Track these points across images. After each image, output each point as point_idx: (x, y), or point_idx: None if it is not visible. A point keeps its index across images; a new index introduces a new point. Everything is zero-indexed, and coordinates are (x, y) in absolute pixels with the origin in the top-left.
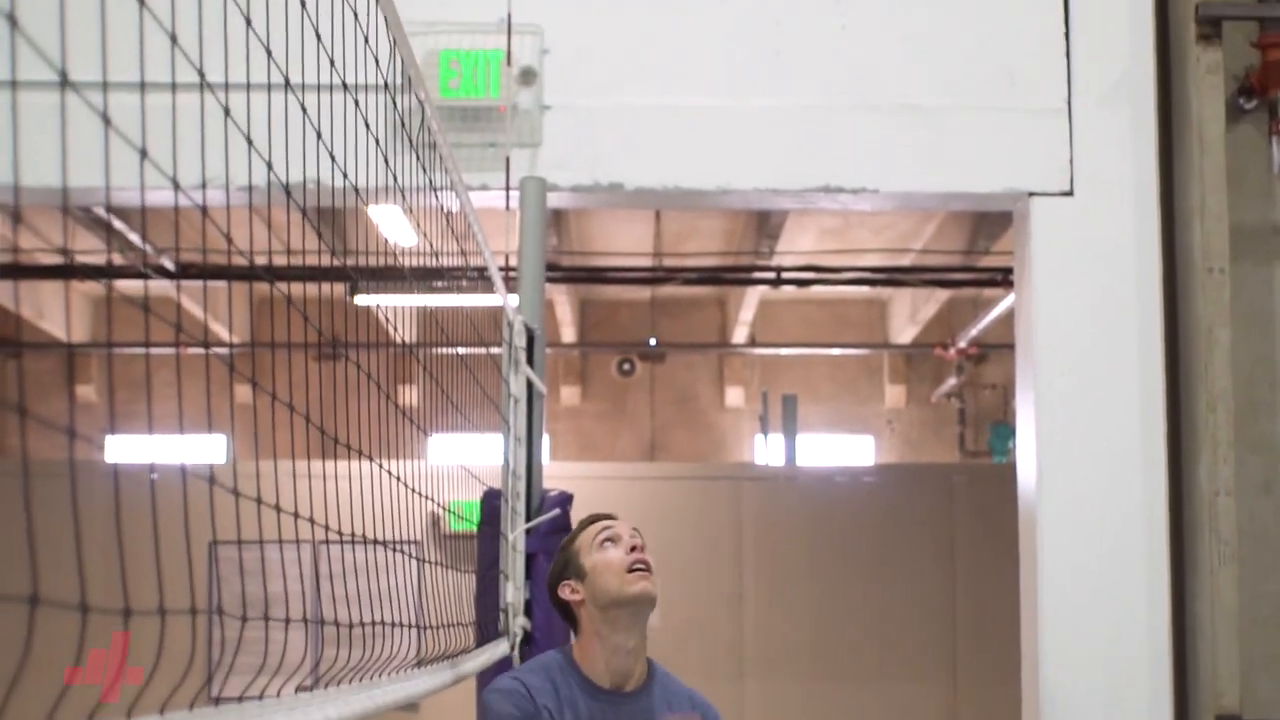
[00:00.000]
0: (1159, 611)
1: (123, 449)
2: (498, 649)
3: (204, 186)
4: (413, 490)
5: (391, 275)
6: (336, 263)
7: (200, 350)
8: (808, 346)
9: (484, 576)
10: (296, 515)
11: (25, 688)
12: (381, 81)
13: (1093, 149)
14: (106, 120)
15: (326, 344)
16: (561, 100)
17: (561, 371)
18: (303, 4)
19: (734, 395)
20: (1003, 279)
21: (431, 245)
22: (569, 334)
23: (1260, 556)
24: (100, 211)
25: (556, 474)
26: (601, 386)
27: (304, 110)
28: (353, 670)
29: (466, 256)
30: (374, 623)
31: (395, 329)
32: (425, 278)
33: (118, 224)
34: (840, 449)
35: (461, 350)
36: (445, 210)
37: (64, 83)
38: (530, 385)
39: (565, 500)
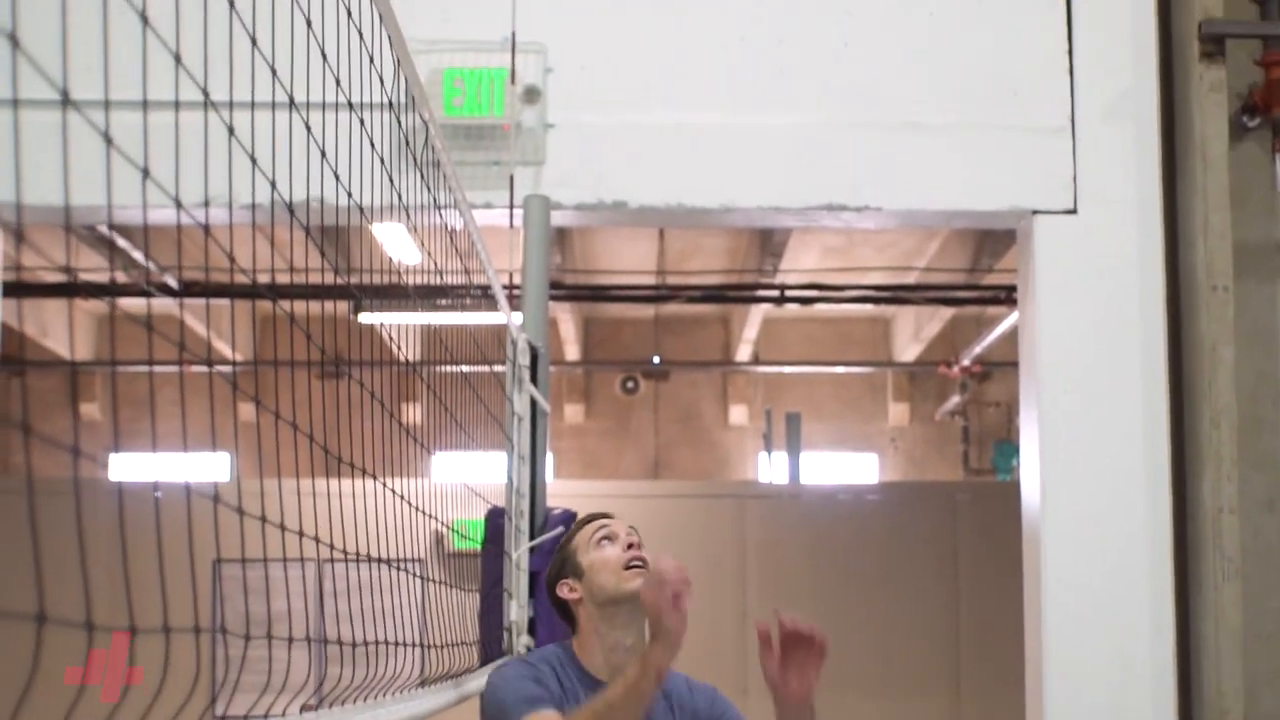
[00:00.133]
0: (1163, 628)
1: (126, 467)
2: None
3: (207, 205)
4: (416, 508)
5: (395, 293)
6: (340, 281)
7: (204, 368)
8: (811, 364)
9: (488, 595)
10: (300, 533)
11: (31, 702)
12: (386, 100)
13: (1096, 167)
14: (108, 139)
15: (330, 362)
16: (565, 118)
17: (565, 389)
18: (308, 23)
19: (738, 413)
20: (1006, 297)
21: (435, 263)
22: (573, 352)
23: (1264, 573)
24: (103, 229)
25: (560, 492)
26: (605, 404)
27: (308, 128)
28: (357, 689)
29: (470, 275)
30: (378, 641)
31: (399, 347)
32: (429, 296)
33: (121, 242)
34: (844, 467)
35: (465, 368)
36: (449, 228)
37: (65, 101)
38: (534, 403)
39: (569, 519)
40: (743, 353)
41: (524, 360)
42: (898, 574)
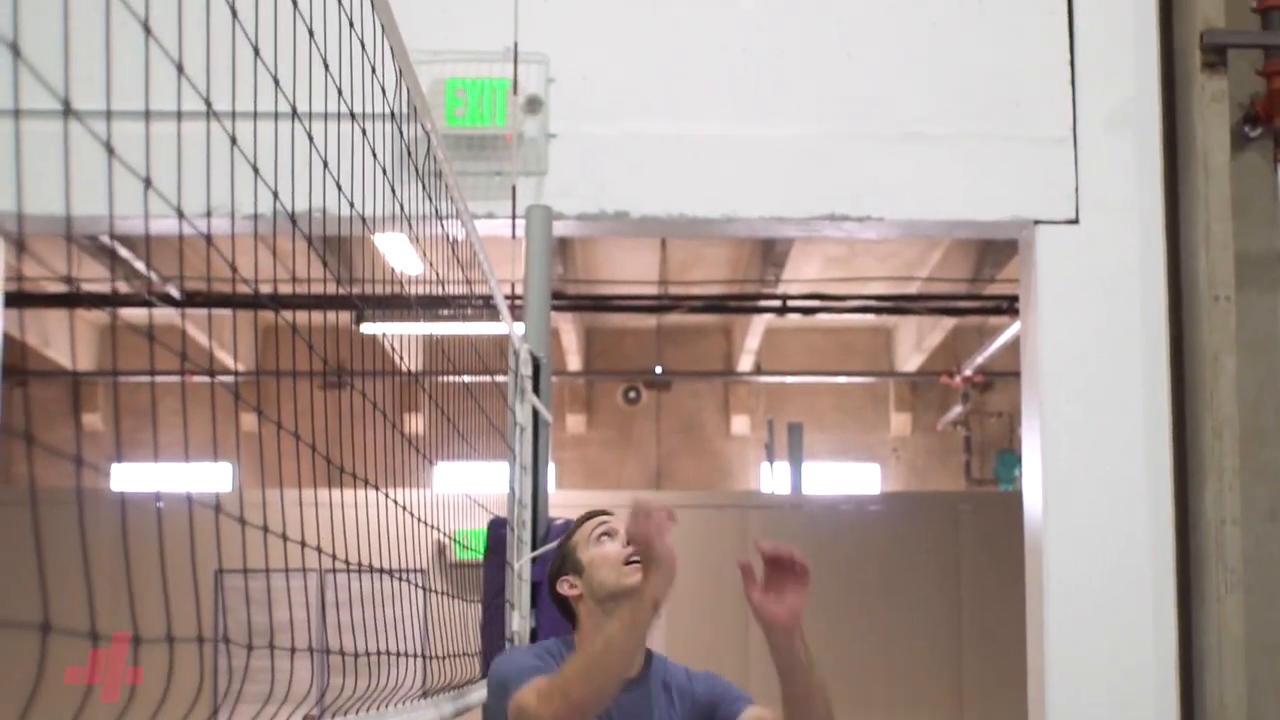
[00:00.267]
0: (1165, 639)
1: (128, 477)
2: None
3: (209, 215)
4: (418, 519)
5: (397, 304)
6: (342, 291)
7: (206, 378)
8: (813, 374)
9: (490, 606)
10: (303, 544)
11: (35, 710)
12: (388, 110)
13: (1098, 177)
14: (110, 149)
15: (332, 372)
16: (567, 128)
17: (567, 399)
18: (310, 33)
19: (740, 423)
20: (1008, 307)
21: (437, 274)
22: (575, 362)
23: (1266, 584)
24: (105, 239)
25: (562, 502)
26: (607, 415)
27: (310, 139)
28: (359, 700)
29: (472, 285)
30: (380, 652)
31: (401, 357)
32: (431, 306)
33: (123, 252)
34: (846, 477)
35: (467, 379)
36: (451, 238)
37: (67, 111)
38: (536, 413)
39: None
40: (745, 363)
41: (526, 370)
42: (900, 584)
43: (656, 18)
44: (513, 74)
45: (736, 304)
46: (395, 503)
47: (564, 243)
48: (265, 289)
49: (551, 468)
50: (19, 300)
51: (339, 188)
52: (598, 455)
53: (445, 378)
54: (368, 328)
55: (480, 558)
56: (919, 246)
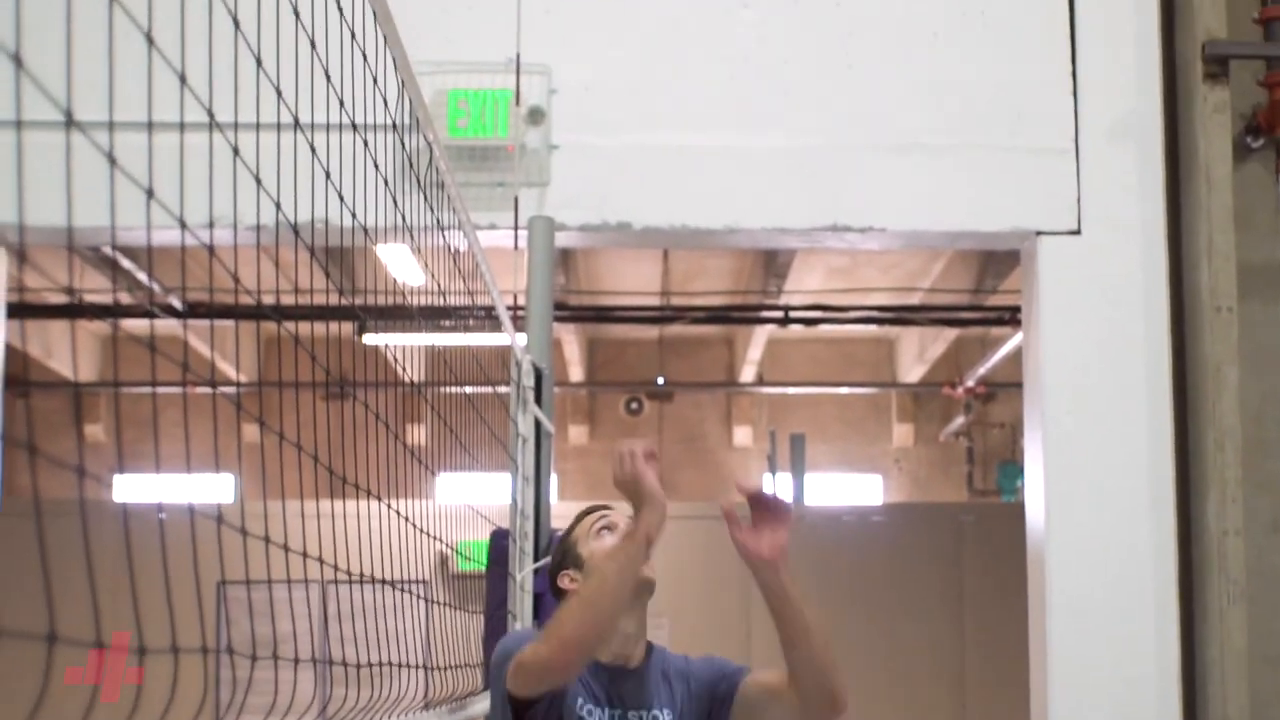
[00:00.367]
0: (1168, 650)
1: (131, 488)
2: None
3: (212, 226)
4: (421, 530)
5: (400, 315)
6: (344, 302)
7: (208, 389)
8: (815, 385)
9: (492, 617)
10: (305, 555)
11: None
12: (390, 121)
13: (1100, 188)
14: (112, 160)
15: (334, 383)
16: (569, 140)
17: (569, 410)
18: (312, 44)
19: (742, 434)
20: (1010, 318)
21: (440, 285)
22: (577, 373)
23: (1269, 595)
24: (107, 250)
25: (564, 513)
26: (609, 426)
27: (313, 150)
28: (361, 711)
29: (474, 296)
30: (382, 663)
31: (403, 368)
32: (433, 317)
33: (125, 263)
34: (848, 488)
35: (469, 390)
36: (453, 249)
37: (69, 122)
38: (538, 424)
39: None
40: (747, 374)
41: (528, 381)
42: (902, 595)
43: (659, 29)
44: (515, 85)
45: (739, 315)
46: (397, 513)
47: (566, 254)
48: (268, 300)
49: (554, 479)
50: (21, 311)
51: (341, 199)
52: (600, 466)
53: (447, 389)
54: (370, 338)
55: (483, 569)
56: (921, 257)
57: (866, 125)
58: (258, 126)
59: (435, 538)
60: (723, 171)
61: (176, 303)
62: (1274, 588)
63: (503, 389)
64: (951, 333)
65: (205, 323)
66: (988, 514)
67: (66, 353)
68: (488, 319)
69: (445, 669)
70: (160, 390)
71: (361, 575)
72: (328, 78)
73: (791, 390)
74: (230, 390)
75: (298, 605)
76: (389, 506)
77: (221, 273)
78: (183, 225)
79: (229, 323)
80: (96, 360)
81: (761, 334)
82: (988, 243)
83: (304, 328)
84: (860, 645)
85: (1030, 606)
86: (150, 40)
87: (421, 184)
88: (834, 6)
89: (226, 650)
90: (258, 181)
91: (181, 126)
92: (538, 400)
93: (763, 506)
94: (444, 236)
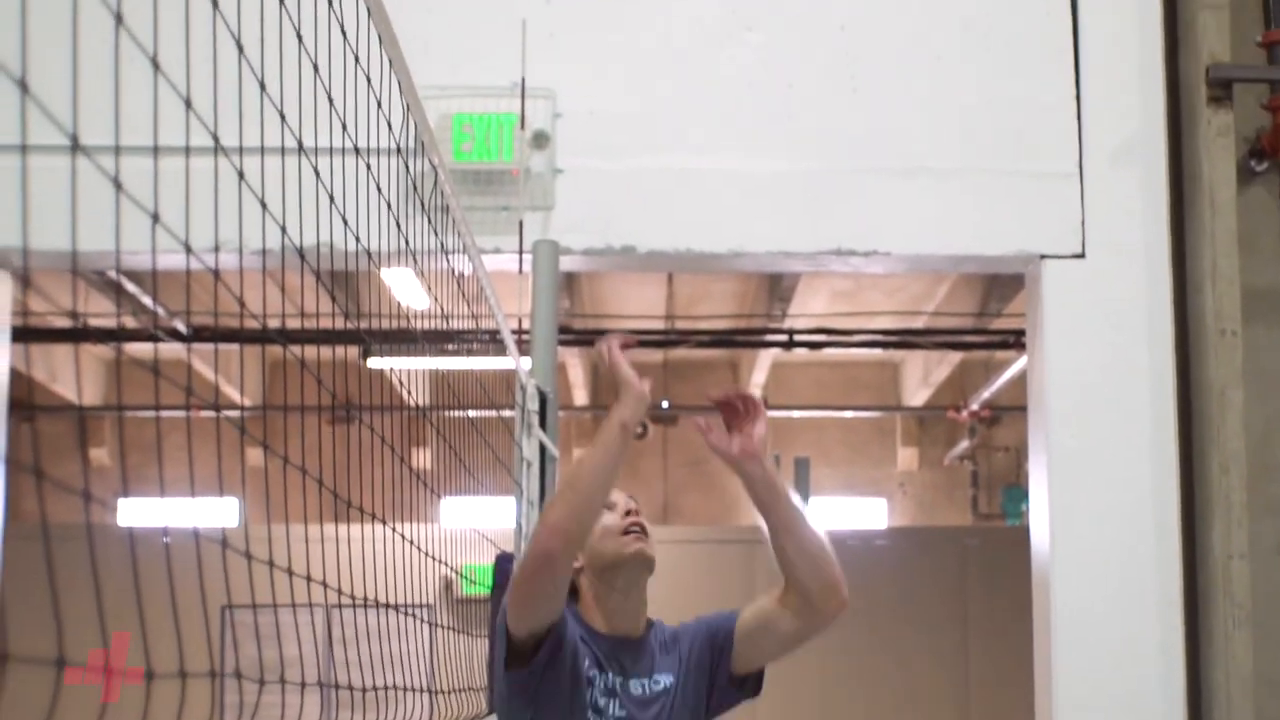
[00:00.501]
0: (1173, 675)
1: (135, 512)
2: None
3: (217, 250)
4: (426, 554)
5: (404, 338)
6: (349, 326)
7: (212, 413)
8: (820, 409)
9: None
10: (309, 579)
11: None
12: (395, 145)
13: (1104, 211)
14: (118, 184)
15: (339, 407)
16: (574, 164)
17: (574, 434)
18: (315, 68)
19: None
20: (1015, 341)
21: (444, 308)
22: (581, 396)
23: (1274, 619)
24: (112, 274)
25: None
26: None
27: (317, 174)
28: None
29: (479, 320)
30: (387, 687)
31: (408, 392)
32: (438, 341)
33: (130, 287)
34: (853, 512)
35: (474, 413)
36: (458, 273)
37: (75, 146)
38: (542, 448)
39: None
40: None
41: (533, 405)
42: (907, 619)
43: (663, 53)
44: (520, 109)
45: (743, 338)
46: (402, 537)
47: (571, 277)
48: (273, 323)
49: None
50: (26, 335)
51: (345, 223)
52: None
53: (452, 413)
54: (375, 362)
55: (487, 593)
56: (925, 281)
57: (871, 149)
58: (263, 150)
59: (440, 561)
60: (727, 195)
61: (181, 326)
62: (1279, 612)
63: (507, 413)
64: (956, 356)
65: (210, 346)
66: (992, 538)
67: (71, 376)
68: (492, 343)
69: (449, 693)
70: (165, 414)
71: (366, 599)
72: (331, 102)
73: (796, 414)
74: (235, 414)
75: (303, 629)
76: (394, 530)
77: (226, 296)
78: (188, 249)
79: (233, 346)
80: (101, 384)
81: (766, 358)
82: (992, 266)
83: (309, 351)
84: (866, 669)
85: (1035, 630)
86: (155, 64)
87: (426, 208)
88: (838, 30)
89: (233, 674)
90: (263, 205)
91: (187, 150)
92: (542, 424)
93: (733, 408)
94: (449, 260)
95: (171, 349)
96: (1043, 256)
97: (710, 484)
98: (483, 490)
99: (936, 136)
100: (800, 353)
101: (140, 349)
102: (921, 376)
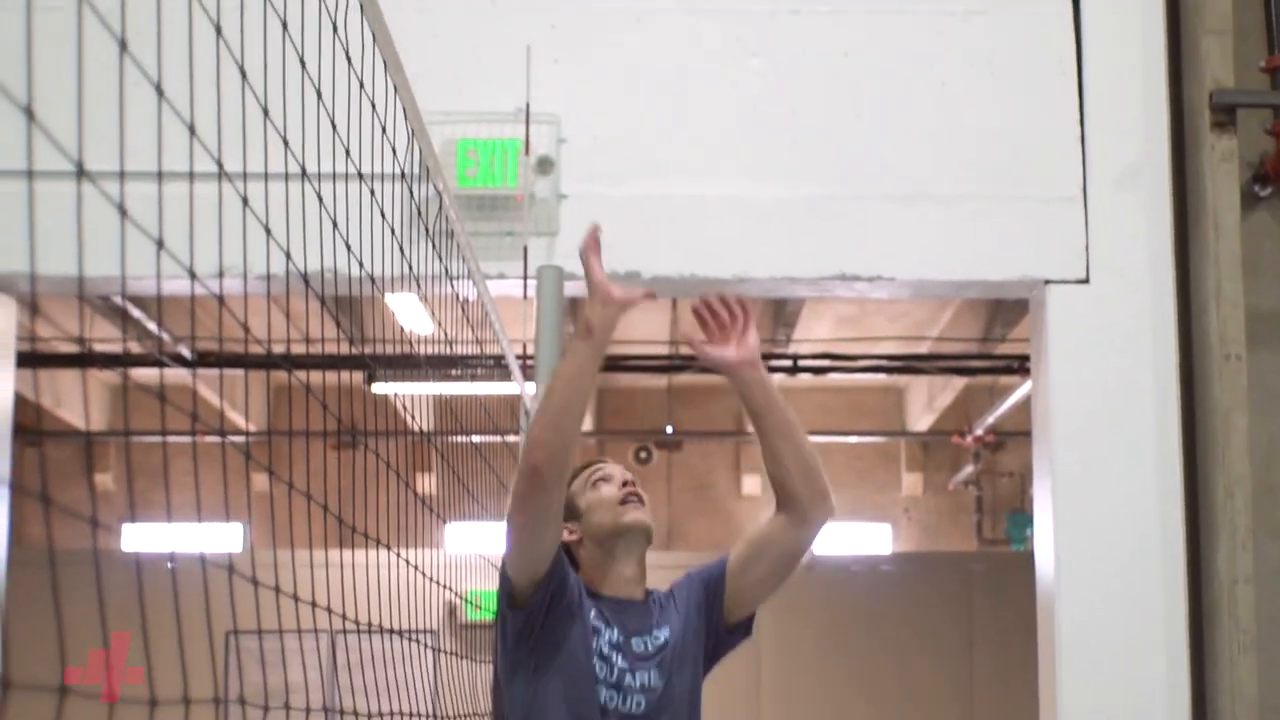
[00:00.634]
0: (1179, 699)
1: (141, 537)
2: None
3: (221, 275)
4: (430, 579)
5: (409, 364)
6: (354, 351)
7: (217, 439)
8: (824, 434)
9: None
10: (314, 604)
11: None
12: (399, 171)
13: (1108, 236)
14: (122, 210)
15: (344, 432)
16: (578, 189)
17: (578, 458)
18: (318, 94)
19: (751, 483)
20: (1019, 366)
21: (448, 334)
22: (585, 422)
23: None
24: (117, 300)
25: None
26: None
27: (320, 200)
28: None
29: (483, 345)
30: (391, 713)
31: (412, 417)
32: (442, 366)
33: (135, 312)
34: (857, 537)
35: (478, 439)
36: (462, 299)
37: (80, 172)
38: None
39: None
40: None
41: None
42: (912, 645)
43: (667, 79)
44: (524, 135)
45: None
46: (407, 562)
47: (575, 303)
48: (277, 349)
49: None
50: (32, 361)
51: (349, 248)
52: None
53: (457, 438)
54: (379, 387)
55: (492, 618)
56: (929, 306)
57: (875, 174)
58: (266, 176)
59: (444, 587)
60: (731, 221)
61: (186, 352)
62: None
63: (512, 438)
64: (960, 381)
65: (215, 372)
66: (997, 563)
67: (76, 402)
68: (496, 368)
69: (454, 719)
70: (170, 439)
71: (370, 625)
72: (334, 127)
73: None
74: (240, 439)
75: (307, 654)
76: (398, 555)
77: (231, 322)
78: (192, 275)
79: (238, 372)
80: (106, 409)
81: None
82: (996, 291)
83: (314, 377)
84: (871, 695)
85: (1040, 656)
86: (160, 91)
87: (430, 233)
88: (842, 56)
89: (238, 700)
90: (267, 231)
91: (191, 176)
92: None
93: (723, 321)
94: (453, 286)
95: (177, 374)
96: (1047, 281)
97: (714, 509)
98: (487, 515)
99: (940, 162)
100: (805, 378)
101: (146, 374)
102: (926, 402)
